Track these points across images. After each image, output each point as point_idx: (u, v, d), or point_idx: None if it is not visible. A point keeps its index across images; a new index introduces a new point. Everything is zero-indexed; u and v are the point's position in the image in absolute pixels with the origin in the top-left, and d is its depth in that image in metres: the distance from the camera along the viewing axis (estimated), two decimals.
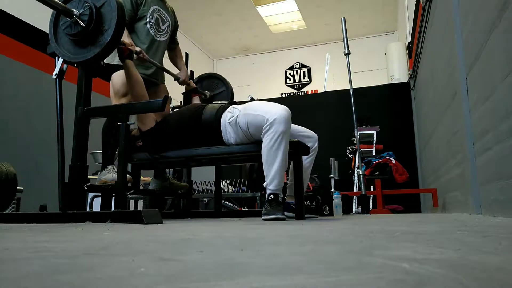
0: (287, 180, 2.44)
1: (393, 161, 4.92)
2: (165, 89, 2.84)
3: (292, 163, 2.32)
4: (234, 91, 3.26)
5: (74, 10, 1.83)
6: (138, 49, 2.33)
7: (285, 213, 2.21)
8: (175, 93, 4.57)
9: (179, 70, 3.00)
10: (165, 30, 2.75)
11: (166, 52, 2.95)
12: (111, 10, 1.83)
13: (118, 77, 2.50)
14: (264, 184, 2.01)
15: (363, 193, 4.23)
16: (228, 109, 2.20)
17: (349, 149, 5.53)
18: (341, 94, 6.24)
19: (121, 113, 1.98)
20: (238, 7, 7.75)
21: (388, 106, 6.33)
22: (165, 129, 2.28)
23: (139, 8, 2.61)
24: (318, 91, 8.50)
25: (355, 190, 5.09)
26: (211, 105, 2.31)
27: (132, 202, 4.49)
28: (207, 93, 3.13)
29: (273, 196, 1.95)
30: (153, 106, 1.98)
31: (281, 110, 1.99)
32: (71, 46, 1.93)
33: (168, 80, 2.91)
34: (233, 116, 2.13)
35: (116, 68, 2.51)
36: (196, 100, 2.93)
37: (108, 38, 1.82)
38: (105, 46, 1.83)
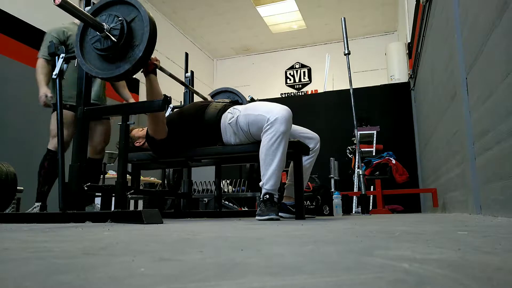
0: (286, 180, 2.44)
1: (393, 161, 4.92)
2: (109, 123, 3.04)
3: (292, 163, 2.31)
4: None
5: (105, 24, 1.74)
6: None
7: (282, 214, 2.21)
8: (175, 92, 4.57)
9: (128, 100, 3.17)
10: None
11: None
12: (143, 25, 1.73)
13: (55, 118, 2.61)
14: (260, 184, 1.99)
15: (363, 193, 4.23)
16: (229, 110, 2.19)
17: (349, 149, 5.53)
18: (341, 94, 6.24)
19: (121, 113, 1.98)
20: (238, 7, 7.75)
21: (388, 106, 6.33)
22: (168, 127, 2.28)
23: (66, 44, 2.75)
24: (318, 91, 8.50)
25: (355, 190, 5.09)
26: (214, 104, 2.30)
27: (132, 202, 4.49)
28: None
29: (268, 196, 1.94)
30: (153, 106, 1.98)
31: (283, 111, 1.99)
32: (98, 61, 1.84)
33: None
34: (233, 117, 2.13)
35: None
36: None
37: (139, 54, 1.72)
38: (135, 63, 1.74)
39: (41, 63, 2.78)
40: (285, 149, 1.98)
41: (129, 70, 1.75)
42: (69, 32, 2.77)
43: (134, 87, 6.47)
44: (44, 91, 2.70)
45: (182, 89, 3.13)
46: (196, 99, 3.23)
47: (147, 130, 2.33)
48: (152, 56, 2.13)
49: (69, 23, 2.85)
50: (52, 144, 2.74)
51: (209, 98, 3.10)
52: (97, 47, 1.79)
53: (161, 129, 2.21)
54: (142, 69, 2.17)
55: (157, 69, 2.21)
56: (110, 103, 2.80)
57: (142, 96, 6.36)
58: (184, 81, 3.18)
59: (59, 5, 1.57)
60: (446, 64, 3.02)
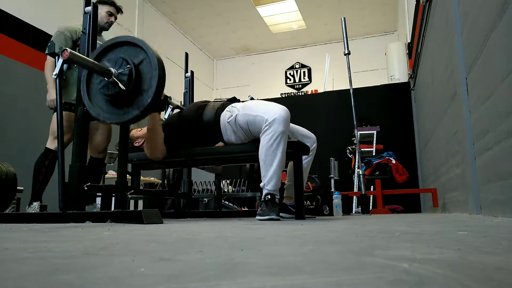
0: (286, 180, 2.44)
1: (393, 161, 4.92)
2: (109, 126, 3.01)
3: (291, 163, 2.31)
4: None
5: (112, 69, 1.67)
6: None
7: (282, 214, 2.22)
8: (176, 93, 4.57)
9: None
10: None
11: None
12: (151, 69, 1.66)
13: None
14: (261, 185, 2.00)
15: (363, 193, 4.23)
16: (227, 108, 2.19)
17: (349, 149, 5.53)
18: (341, 94, 6.24)
19: None
20: (238, 7, 7.75)
21: (388, 106, 6.33)
22: (169, 132, 2.28)
23: (77, 44, 2.72)
24: (318, 91, 8.50)
25: (355, 190, 5.09)
26: (212, 103, 2.30)
27: (132, 202, 4.49)
28: None
29: (269, 197, 1.95)
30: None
31: (280, 111, 1.99)
32: (105, 105, 1.77)
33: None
34: (232, 116, 2.13)
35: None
36: None
37: (148, 100, 1.65)
38: (144, 109, 1.67)
39: (51, 61, 2.72)
40: (285, 148, 1.98)
41: (137, 116, 1.69)
42: (80, 33, 2.76)
43: None
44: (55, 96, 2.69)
45: (182, 89, 3.13)
46: (196, 99, 3.23)
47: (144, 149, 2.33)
48: None
49: (80, 25, 2.83)
50: (55, 144, 2.73)
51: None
52: (104, 93, 1.72)
53: (159, 149, 2.22)
54: None
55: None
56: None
57: None
58: (184, 81, 3.19)
59: (68, 59, 1.57)
60: (446, 64, 3.02)
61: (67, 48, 1.56)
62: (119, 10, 2.95)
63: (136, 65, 1.69)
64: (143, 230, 1.15)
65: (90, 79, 1.82)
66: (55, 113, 2.76)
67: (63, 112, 2.65)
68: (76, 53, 1.60)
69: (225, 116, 2.16)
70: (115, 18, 2.96)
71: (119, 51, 1.75)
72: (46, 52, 2.75)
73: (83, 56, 1.64)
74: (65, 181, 1.89)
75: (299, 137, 2.31)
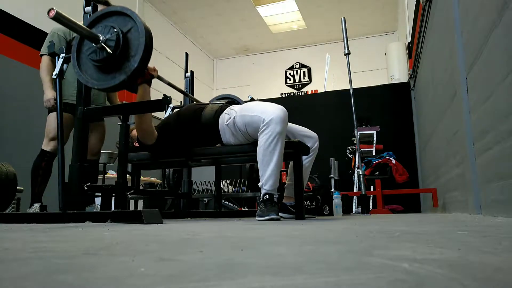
0: (286, 180, 2.44)
1: (393, 161, 4.92)
2: (103, 126, 3.02)
3: (291, 163, 2.31)
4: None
5: (100, 35, 1.74)
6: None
7: (282, 214, 2.21)
8: (176, 93, 4.57)
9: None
10: None
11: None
12: (139, 36, 1.73)
13: (53, 119, 2.62)
14: (259, 184, 2.00)
15: (363, 193, 4.23)
16: (225, 111, 2.19)
17: (349, 149, 5.53)
18: (341, 94, 6.24)
19: (121, 113, 1.98)
20: (238, 7, 7.75)
21: (388, 106, 6.33)
22: (165, 132, 2.28)
23: (71, 45, 2.72)
24: (318, 91, 8.50)
25: (355, 190, 5.09)
26: (210, 105, 2.30)
27: (132, 202, 4.49)
28: None
29: (268, 197, 1.95)
30: (153, 106, 1.98)
31: (278, 110, 1.98)
32: (94, 72, 1.83)
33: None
34: (230, 118, 2.13)
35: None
36: None
37: (134, 65, 1.72)
38: (131, 74, 1.73)
39: (46, 62, 2.73)
40: (282, 148, 1.98)
41: (124, 81, 1.75)
42: (75, 33, 2.76)
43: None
44: (52, 95, 2.68)
45: (182, 89, 3.13)
46: (196, 99, 3.23)
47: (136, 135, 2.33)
48: (151, 66, 2.10)
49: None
50: (50, 145, 2.73)
51: None
52: (93, 58, 1.78)
53: (149, 135, 2.21)
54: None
55: (154, 79, 2.21)
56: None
57: None
58: (184, 81, 3.19)
59: (54, 18, 1.57)
60: (446, 64, 3.02)
61: (54, 7, 1.56)
62: None
63: (125, 33, 1.75)
64: (143, 230, 1.15)
65: (80, 49, 1.88)
66: (50, 115, 2.76)
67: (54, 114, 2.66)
68: (63, 13, 1.61)
69: (223, 118, 2.16)
70: None
71: (108, 21, 1.80)
72: (45, 52, 2.74)
73: (71, 18, 1.66)
74: (65, 181, 1.89)
75: (300, 137, 2.30)
